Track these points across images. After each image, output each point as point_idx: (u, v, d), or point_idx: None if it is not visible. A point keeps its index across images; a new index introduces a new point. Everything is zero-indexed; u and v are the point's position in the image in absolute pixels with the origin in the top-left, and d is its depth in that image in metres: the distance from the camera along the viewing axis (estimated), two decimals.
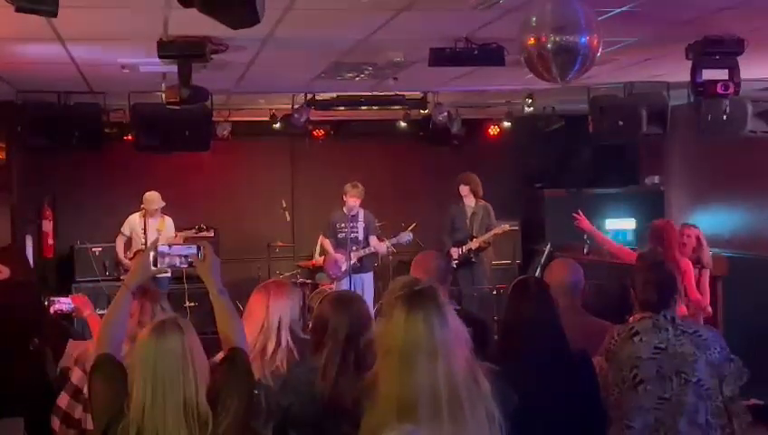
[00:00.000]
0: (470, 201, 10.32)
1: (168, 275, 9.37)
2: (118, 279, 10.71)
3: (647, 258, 5.85)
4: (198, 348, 2.92)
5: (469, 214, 10.27)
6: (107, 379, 2.98)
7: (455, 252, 10.06)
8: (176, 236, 10.25)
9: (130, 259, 10.41)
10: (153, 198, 10.42)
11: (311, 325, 3.72)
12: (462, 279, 10.05)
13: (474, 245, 10.11)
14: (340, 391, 3.33)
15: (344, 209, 9.95)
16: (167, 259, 3.24)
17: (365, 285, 9.87)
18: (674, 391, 3.94)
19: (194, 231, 10.44)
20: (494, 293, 10.08)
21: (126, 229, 10.60)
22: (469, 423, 2.70)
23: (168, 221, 10.62)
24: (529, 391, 3.15)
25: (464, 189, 10.30)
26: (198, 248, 3.23)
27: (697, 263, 7.28)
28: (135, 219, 10.58)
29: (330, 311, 3.56)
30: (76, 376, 4.34)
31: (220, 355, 3.79)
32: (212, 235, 11.01)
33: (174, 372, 2.82)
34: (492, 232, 10.23)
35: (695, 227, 7.53)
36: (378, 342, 2.87)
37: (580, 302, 4.67)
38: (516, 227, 10.68)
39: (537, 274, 7.79)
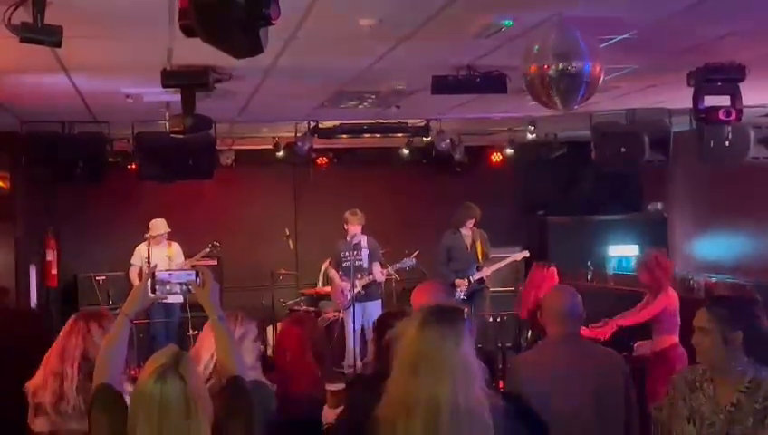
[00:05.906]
0: (467, 230, 10.12)
1: (180, 301, 9.29)
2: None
3: None
4: (202, 390, 2.83)
5: (468, 242, 10.05)
6: (106, 410, 2.92)
7: (461, 283, 9.78)
8: (184, 263, 10.23)
9: None
10: (158, 223, 10.46)
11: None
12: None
13: (486, 273, 9.89)
14: None
15: (347, 238, 9.91)
16: (167, 286, 3.22)
17: (374, 314, 9.79)
18: None
19: (207, 250, 10.56)
20: (498, 320, 9.97)
21: (137, 260, 10.56)
22: None
23: (176, 247, 10.64)
24: None
25: (472, 223, 10.11)
26: (197, 274, 3.21)
27: None
28: (143, 249, 10.59)
29: None
30: None
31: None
32: (216, 263, 11.02)
33: (179, 428, 2.73)
34: (508, 259, 10.11)
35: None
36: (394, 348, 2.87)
37: (579, 330, 4.59)
38: (528, 254, 10.51)
39: None
